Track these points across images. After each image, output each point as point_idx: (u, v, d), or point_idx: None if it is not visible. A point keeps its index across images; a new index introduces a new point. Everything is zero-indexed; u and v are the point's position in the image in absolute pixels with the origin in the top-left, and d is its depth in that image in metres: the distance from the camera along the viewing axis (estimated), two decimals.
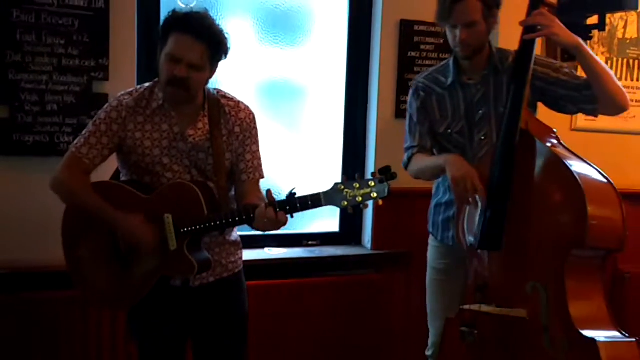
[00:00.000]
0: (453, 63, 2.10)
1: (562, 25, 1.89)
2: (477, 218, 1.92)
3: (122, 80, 2.38)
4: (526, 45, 1.91)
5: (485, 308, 1.91)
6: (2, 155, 2.29)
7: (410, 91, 2.20)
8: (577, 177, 1.75)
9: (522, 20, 1.91)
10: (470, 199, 1.90)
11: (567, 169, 1.77)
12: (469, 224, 1.99)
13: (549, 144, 1.88)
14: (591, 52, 1.93)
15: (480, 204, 1.91)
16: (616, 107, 1.97)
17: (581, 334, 1.72)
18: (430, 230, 2.27)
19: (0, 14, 2.22)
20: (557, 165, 1.81)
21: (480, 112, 2.07)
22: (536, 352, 1.83)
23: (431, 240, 2.29)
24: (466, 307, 1.96)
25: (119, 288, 1.86)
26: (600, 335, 1.73)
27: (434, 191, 2.29)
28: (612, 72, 1.96)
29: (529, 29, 1.90)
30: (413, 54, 2.81)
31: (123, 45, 2.41)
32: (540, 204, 1.84)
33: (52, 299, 2.36)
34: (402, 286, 2.91)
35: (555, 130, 1.95)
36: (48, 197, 2.13)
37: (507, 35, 2.64)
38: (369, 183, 1.67)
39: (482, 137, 2.07)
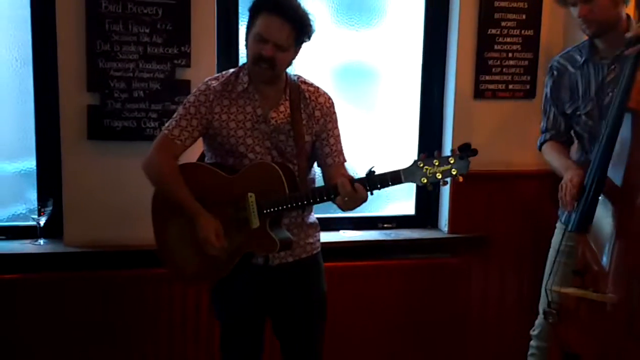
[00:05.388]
0: (588, 40, 2.03)
1: None
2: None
3: (204, 67, 2.45)
4: None
5: (574, 290, 1.88)
6: (94, 139, 2.42)
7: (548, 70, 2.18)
8: None
9: None
10: (567, 206, 1.91)
11: None
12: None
13: None
14: None
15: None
16: None
17: None
18: (559, 212, 2.26)
19: (90, 5, 2.34)
20: None
21: (610, 94, 1.94)
22: (620, 340, 1.78)
23: (558, 222, 2.27)
24: (556, 288, 1.95)
25: (204, 265, 1.94)
26: None
27: None
28: None
29: None
30: (493, 31, 2.71)
31: (204, 33, 2.47)
32: None
33: (140, 277, 2.48)
34: (479, 270, 2.85)
35: None
36: (135, 179, 2.23)
37: None
38: (449, 160, 1.65)
39: None
